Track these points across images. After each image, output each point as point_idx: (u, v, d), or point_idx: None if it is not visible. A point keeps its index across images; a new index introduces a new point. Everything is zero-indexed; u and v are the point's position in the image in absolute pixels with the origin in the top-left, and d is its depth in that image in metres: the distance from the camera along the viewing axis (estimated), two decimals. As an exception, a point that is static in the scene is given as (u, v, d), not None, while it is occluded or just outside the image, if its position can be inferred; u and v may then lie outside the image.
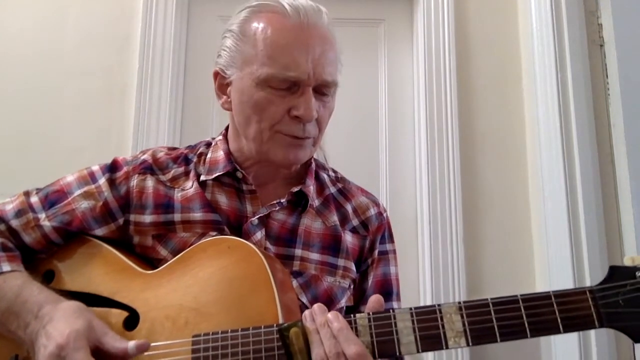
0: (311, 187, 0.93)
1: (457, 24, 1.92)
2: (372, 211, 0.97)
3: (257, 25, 0.84)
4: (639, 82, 1.62)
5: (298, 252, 0.88)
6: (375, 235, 0.96)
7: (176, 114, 1.87)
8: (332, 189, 0.98)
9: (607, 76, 1.69)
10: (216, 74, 0.91)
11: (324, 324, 0.66)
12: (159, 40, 1.86)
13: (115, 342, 0.70)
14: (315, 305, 0.69)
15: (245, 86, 0.84)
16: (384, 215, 1.00)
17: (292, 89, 0.82)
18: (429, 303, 1.74)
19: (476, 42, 1.92)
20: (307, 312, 0.69)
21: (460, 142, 1.84)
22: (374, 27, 2.02)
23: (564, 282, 1.62)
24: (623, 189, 1.61)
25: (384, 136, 1.94)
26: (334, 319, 0.66)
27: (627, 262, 0.64)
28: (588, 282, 1.57)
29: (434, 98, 1.86)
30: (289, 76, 0.80)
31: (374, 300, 0.70)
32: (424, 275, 1.79)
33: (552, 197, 1.68)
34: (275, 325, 0.69)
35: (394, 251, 0.99)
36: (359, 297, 0.93)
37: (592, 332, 1.53)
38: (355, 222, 0.96)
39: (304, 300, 0.85)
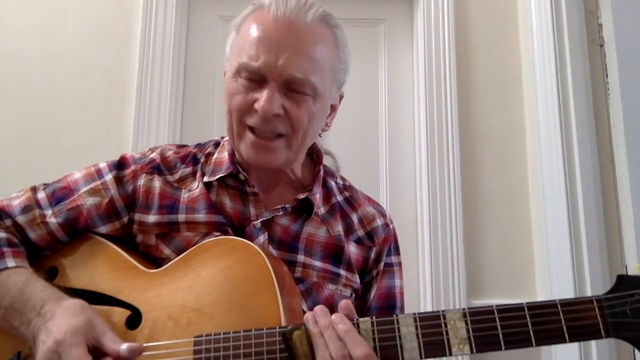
0: (317, 195, 0.92)
1: (457, 24, 1.91)
2: (379, 222, 0.95)
3: (242, 22, 0.86)
4: (639, 82, 1.62)
5: (300, 258, 0.87)
6: (382, 247, 0.94)
7: (176, 114, 1.87)
8: (339, 197, 0.96)
9: (607, 76, 1.69)
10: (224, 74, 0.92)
11: (328, 326, 0.65)
12: (159, 40, 1.86)
13: (110, 342, 0.70)
14: (317, 308, 0.68)
15: (226, 79, 0.86)
16: (391, 226, 0.98)
17: (261, 82, 0.81)
18: (429, 303, 1.75)
19: (476, 42, 1.92)
20: (309, 314, 0.68)
21: (460, 142, 1.84)
22: (374, 27, 2.02)
23: (563, 282, 1.62)
24: (623, 189, 1.61)
25: (384, 136, 1.94)
26: (339, 321, 0.65)
27: (635, 271, 0.62)
28: (588, 283, 1.57)
29: (434, 98, 1.86)
30: (252, 66, 0.80)
31: (343, 306, 0.69)
32: (424, 275, 1.79)
33: (552, 197, 1.68)
34: (277, 327, 0.68)
35: (400, 264, 0.97)
36: (361, 309, 0.92)
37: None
38: (360, 232, 0.94)
39: (305, 307, 0.83)
